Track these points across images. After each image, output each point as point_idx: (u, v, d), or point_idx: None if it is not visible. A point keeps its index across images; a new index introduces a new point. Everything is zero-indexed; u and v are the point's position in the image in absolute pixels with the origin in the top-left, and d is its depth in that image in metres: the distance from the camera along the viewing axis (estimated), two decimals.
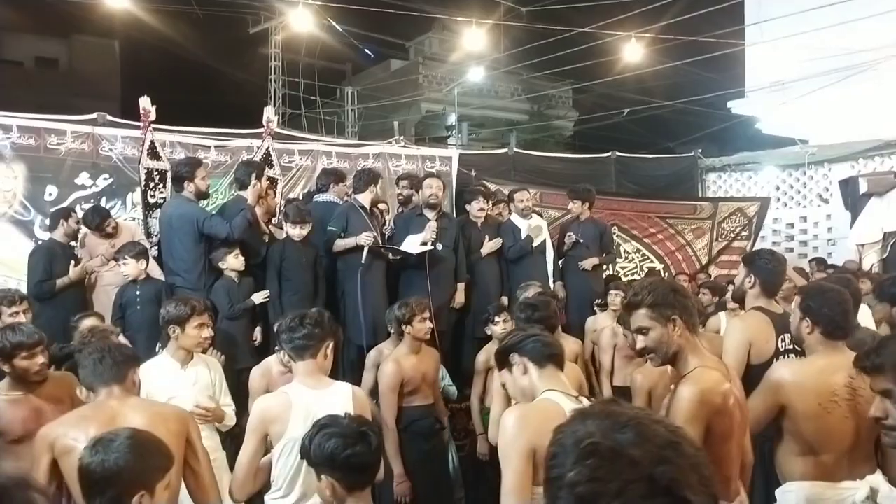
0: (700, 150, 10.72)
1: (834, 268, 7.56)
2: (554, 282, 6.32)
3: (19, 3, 17.44)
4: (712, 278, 7.70)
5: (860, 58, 9.48)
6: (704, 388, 2.30)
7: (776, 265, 3.49)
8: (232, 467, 3.05)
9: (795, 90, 10.39)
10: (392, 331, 4.54)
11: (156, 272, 5.15)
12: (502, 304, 5.14)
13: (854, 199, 8.90)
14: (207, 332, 3.73)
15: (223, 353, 4.38)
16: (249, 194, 5.20)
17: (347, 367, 5.10)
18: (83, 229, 5.58)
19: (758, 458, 2.73)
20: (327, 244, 5.43)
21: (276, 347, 3.74)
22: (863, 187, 8.79)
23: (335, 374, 3.24)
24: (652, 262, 8.67)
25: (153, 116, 5.93)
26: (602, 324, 5.48)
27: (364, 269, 5.30)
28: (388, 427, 4.04)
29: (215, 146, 6.69)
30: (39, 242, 5.67)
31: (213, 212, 5.43)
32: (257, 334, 5.10)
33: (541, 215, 6.87)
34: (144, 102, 5.91)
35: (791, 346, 3.20)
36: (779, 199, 10.09)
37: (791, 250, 9.77)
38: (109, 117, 6.43)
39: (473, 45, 11.17)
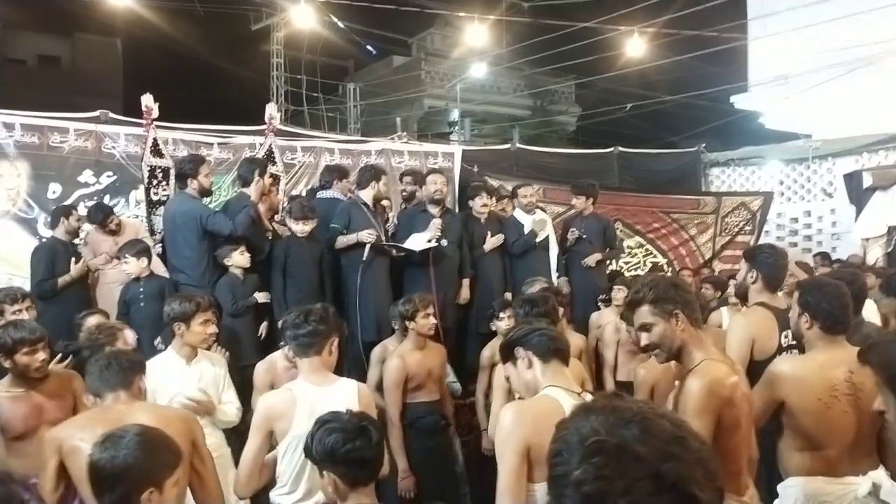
0: (703, 145, 10.69)
1: (839, 262, 7.55)
2: (558, 277, 6.31)
3: (22, 2, 17.46)
4: (716, 273, 7.68)
5: (864, 51, 9.44)
6: (713, 379, 2.31)
7: (777, 259, 3.49)
8: (236, 464, 3.06)
9: (799, 84, 10.36)
10: (396, 327, 4.54)
11: (160, 269, 5.17)
12: (507, 300, 5.14)
13: (858, 193, 8.89)
14: (212, 329, 3.75)
15: (228, 350, 4.39)
16: (252, 191, 5.20)
17: (351, 363, 5.11)
18: (86, 226, 5.59)
19: (760, 453, 2.73)
20: (329, 241, 5.43)
21: (282, 343, 3.74)
22: (867, 181, 8.77)
23: (339, 369, 3.24)
24: (655, 257, 8.66)
25: (156, 114, 5.94)
26: (606, 319, 5.48)
27: (365, 265, 5.30)
28: (392, 423, 4.05)
29: (218, 143, 6.69)
30: (43, 240, 5.68)
31: (217, 209, 5.43)
32: (262, 329, 5.10)
33: (544, 210, 6.85)
34: (147, 100, 5.92)
35: (794, 342, 3.19)
36: (783, 194, 10.07)
37: (795, 245, 9.76)
38: (112, 115, 6.43)
39: (476, 40, 11.17)
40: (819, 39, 9.49)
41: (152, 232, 5.74)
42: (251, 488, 2.84)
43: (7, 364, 3.15)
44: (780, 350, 3.22)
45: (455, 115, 19.20)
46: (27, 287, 4.93)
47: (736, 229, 8.96)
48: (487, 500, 2.37)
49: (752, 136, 12.70)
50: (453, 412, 4.73)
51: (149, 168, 5.84)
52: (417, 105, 21.19)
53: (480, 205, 6.14)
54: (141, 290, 4.84)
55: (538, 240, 6.19)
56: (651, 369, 3.89)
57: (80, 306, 4.94)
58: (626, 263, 8.34)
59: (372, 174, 5.68)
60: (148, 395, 2.95)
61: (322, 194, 5.94)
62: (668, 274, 8.11)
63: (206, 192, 5.31)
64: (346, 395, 2.86)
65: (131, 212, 6.20)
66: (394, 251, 5.58)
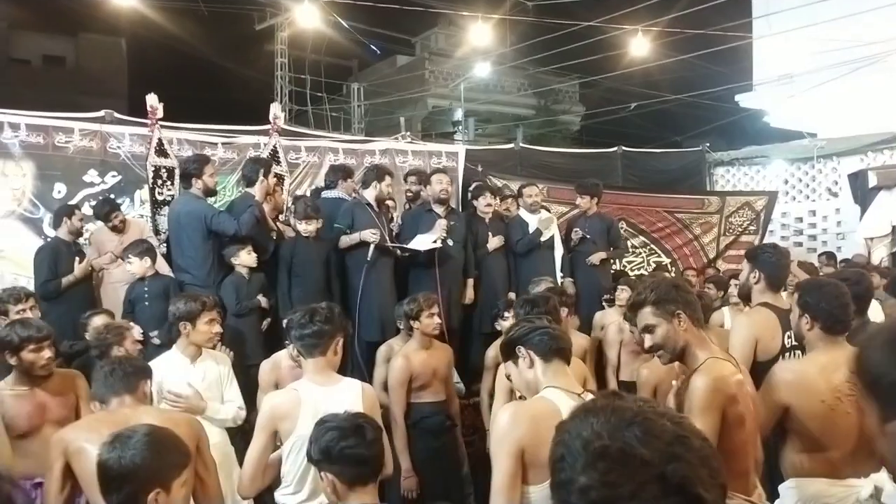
0: (708, 144, 10.68)
1: (845, 262, 7.53)
2: (563, 277, 6.29)
3: (26, 2, 17.51)
4: (721, 272, 7.67)
5: (869, 50, 9.42)
6: (717, 376, 2.32)
7: (780, 259, 3.48)
8: (241, 463, 3.07)
9: (804, 83, 10.34)
10: (401, 326, 4.55)
11: (164, 269, 5.18)
12: (512, 300, 5.14)
13: (863, 192, 8.85)
14: (217, 328, 3.77)
15: (233, 349, 4.40)
16: (257, 191, 5.21)
17: (355, 363, 5.12)
18: (89, 226, 5.61)
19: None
20: (333, 241, 5.44)
21: (287, 342, 3.75)
22: (872, 181, 8.74)
23: (343, 369, 3.24)
24: (659, 256, 8.64)
25: (160, 114, 5.96)
26: (609, 319, 5.48)
27: (369, 265, 5.30)
28: (396, 422, 4.06)
29: (222, 143, 6.70)
30: (48, 240, 5.70)
31: (221, 209, 5.44)
32: (265, 324, 5.11)
33: (548, 210, 6.85)
34: (151, 100, 5.94)
35: (797, 343, 3.18)
36: (787, 193, 10.05)
37: (800, 244, 9.74)
38: (117, 115, 6.45)
39: (480, 40, 11.15)
40: (824, 38, 9.46)
41: (157, 232, 5.75)
42: (255, 488, 2.84)
43: (13, 361, 3.17)
44: (784, 350, 3.20)
45: (459, 114, 19.19)
46: (32, 287, 4.95)
47: (740, 229, 8.94)
48: None
49: (756, 135, 12.69)
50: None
51: (153, 168, 5.86)
52: (421, 105, 21.17)
53: (484, 204, 6.13)
54: (146, 289, 4.85)
55: (543, 239, 6.19)
56: (654, 369, 3.88)
57: (84, 306, 4.96)
58: (630, 263, 8.33)
59: (374, 174, 5.69)
60: (154, 396, 2.96)
61: (327, 194, 5.95)
62: (672, 273, 8.11)
63: (210, 191, 5.32)
64: (350, 395, 2.86)
65: (136, 212, 6.22)
66: (398, 252, 5.59)
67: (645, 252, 8.60)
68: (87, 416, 2.87)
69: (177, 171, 5.79)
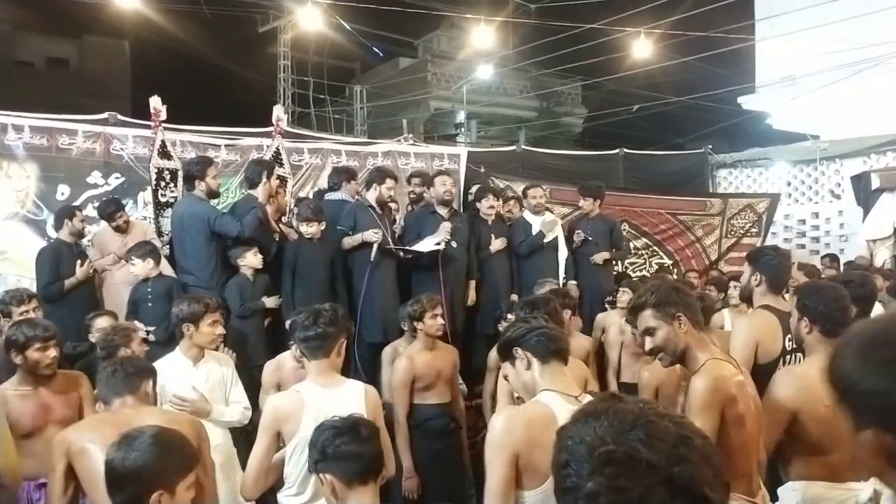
0: (710, 147, 10.66)
1: (848, 264, 7.52)
2: (566, 280, 6.28)
3: (30, 4, 17.55)
4: (724, 274, 7.66)
5: (871, 52, 9.41)
6: (716, 376, 2.34)
7: (781, 261, 3.47)
8: (243, 464, 3.08)
9: (806, 85, 10.33)
10: (405, 328, 4.56)
11: (168, 271, 5.19)
12: (515, 302, 5.15)
13: (866, 194, 8.85)
14: (221, 329, 3.78)
15: (236, 350, 4.42)
16: (260, 193, 5.22)
17: (357, 364, 5.13)
18: (91, 227, 5.62)
19: None
20: (336, 243, 5.45)
21: (291, 343, 3.76)
22: (875, 183, 8.74)
23: (345, 370, 3.25)
24: (661, 258, 8.64)
25: (164, 116, 5.97)
26: (611, 321, 5.48)
27: (372, 265, 5.31)
28: (398, 422, 4.07)
29: (225, 145, 6.71)
30: (50, 242, 5.71)
31: (224, 211, 5.46)
32: (266, 323, 5.12)
33: (551, 212, 6.86)
34: (155, 102, 5.95)
35: (797, 346, 3.17)
36: (790, 195, 10.03)
37: (803, 247, 9.73)
38: (120, 117, 6.46)
39: (482, 42, 11.18)
40: (826, 40, 9.46)
41: (160, 234, 5.76)
42: (258, 490, 2.85)
43: (18, 360, 3.20)
44: (784, 354, 3.19)
45: (461, 116, 19.19)
46: (35, 289, 4.96)
47: (742, 231, 8.94)
48: None
49: (759, 137, 12.68)
50: None
51: (156, 170, 5.87)
52: (424, 107, 21.19)
53: (487, 206, 6.15)
54: (149, 290, 4.87)
55: (546, 241, 6.19)
56: (655, 372, 3.88)
57: (87, 307, 4.97)
58: (632, 265, 8.33)
59: (374, 176, 5.70)
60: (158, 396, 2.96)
61: (330, 196, 5.96)
62: (675, 275, 8.11)
63: (213, 193, 5.34)
64: (353, 397, 2.86)
65: (139, 213, 6.23)
66: (401, 253, 5.59)
67: (647, 254, 8.59)
68: (90, 416, 2.88)
69: (180, 173, 5.80)
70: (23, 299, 4.34)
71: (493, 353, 4.56)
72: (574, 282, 6.34)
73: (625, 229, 7.84)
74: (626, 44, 11.15)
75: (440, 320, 4.21)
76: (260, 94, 16.44)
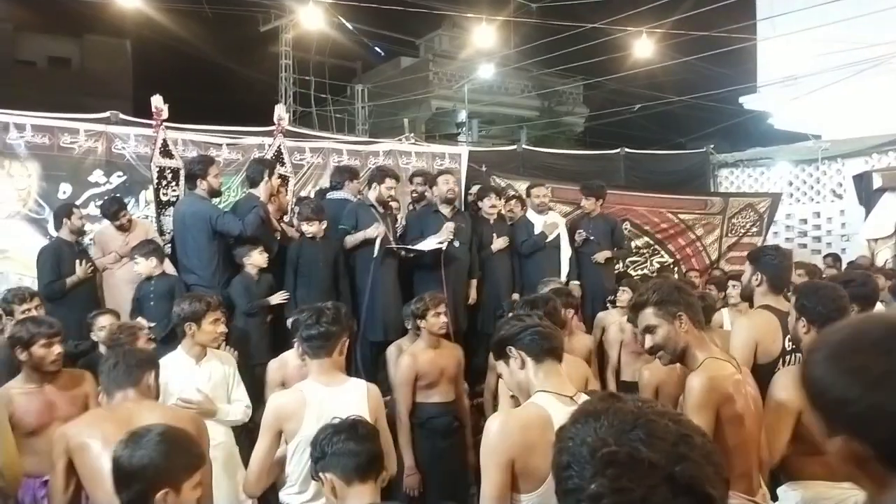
0: (712, 146, 10.65)
1: (850, 264, 7.52)
2: (569, 280, 6.27)
3: (32, 4, 17.57)
4: (726, 273, 7.66)
5: (873, 52, 9.41)
6: (713, 375, 2.35)
7: (782, 261, 3.46)
8: (246, 462, 3.08)
9: (808, 85, 10.32)
10: (409, 326, 4.57)
11: (170, 270, 5.19)
12: (516, 301, 5.15)
13: (868, 194, 8.85)
14: (222, 328, 3.79)
15: (239, 349, 4.42)
16: (261, 191, 5.23)
17: (358, 363, 5.13)
18: (92, 226, 5.62)
19: None
20: (339, 242, 5.45)
21: (294, 341, 3.77)
22: (877, 182, 8.74)
23: (347, 369, 3.25)
24: (662, 257, 8.63)
25: (165, 115, 5.97)
26: (611, 319, 5.48)
27: (376, 263, 5.31)
28: (401, 420, 4.07)
29: (227, 144, 6.71)
30: (51, 240, 5.71)
31: (226, 210, 5.46)
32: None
33: (554, 211, 6.86)
34: (156, 101, 5.95)
35: (796, 345, 3.16)
36: (792, 195, 10.03)
37: (804, 246, 9.73)
38: (122, 116, 6.47)
39: (484, 41, 11.18)
40: (828, 40, 9.45)
41: (161, 232, 5.77)
42: (260, 487, 2.86)
43: (23, 357, 3.21)
44: (784, 353, 3.19)
45: (463, 116, 19.21)
46: (36, 287, 4.97)
47: (742, 230, 8.93)
48: None
49: (760, 137, 12.68)
50: None
51: (158, 169, 5.88)
52: (425, 106, 21.20)
53: (489, 206, 6.15)
54: (152, 288, 4.88)
55: (548, 240, 6.20)
56: (655, 371, 3.88)
57: (88, 306, 4.97)
58: (633, 263, 8.33)
59: (374, 175, 5.71)
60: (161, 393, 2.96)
61: (332, 195, 5.96)
62: (675, 274, 8.11)
63: (215, 192, 5.35)
64: (355, 395, 2.87)
65: (141, 212, 6.23)
66: (402, 252, 5.60)
67: (648, 253, 8.59)
68: (89, 411, 2.88)
69: (181, 172, 5.81)
70: (24, 298, 4.35)
71: None
72: (577, 281, 6.35)
73: (626, 228, 7.84)
74: (628, 43, 11.14)
75: (443, 318, 4.20)
76: (261, 93, 16.47)
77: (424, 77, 21.17)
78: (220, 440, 3.50)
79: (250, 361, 4.58)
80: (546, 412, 2.12)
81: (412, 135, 8.75)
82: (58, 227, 5.41)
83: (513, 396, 2.51)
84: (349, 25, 13.71)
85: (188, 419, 2.71)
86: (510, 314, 4.44)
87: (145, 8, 10.66)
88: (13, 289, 4.66)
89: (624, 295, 5.34)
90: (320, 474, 2.20)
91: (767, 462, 2.61)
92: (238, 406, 3.78)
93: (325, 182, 6.79)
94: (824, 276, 5.94)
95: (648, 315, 2.47)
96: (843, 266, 7.57)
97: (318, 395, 2.79)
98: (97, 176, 6.14)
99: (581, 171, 8.91)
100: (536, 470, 2.02)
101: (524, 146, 10.06)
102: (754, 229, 8.95)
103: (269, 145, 6.62)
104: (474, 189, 6.94)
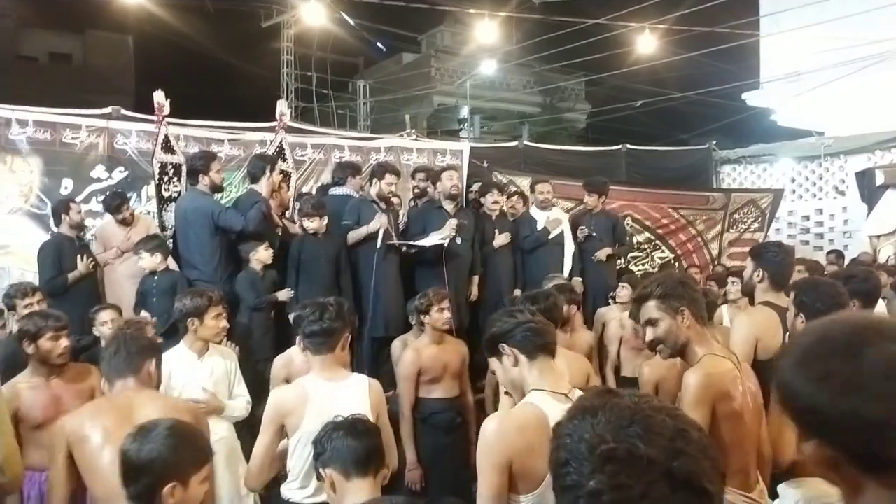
0: (715, 142, 10.63)
1: (853, 261, 7.51)
2: (571, 276, 6.25)
3: (34, 0, 17.59)
4: (728, 269, 7.66)
5: (877, 48, 9.36)
6: (710, 372, 2.35)
7: (784, 257, 3.46)
8: (247, 457, 3.09)
9: (811, 81, 10.28)
10: (413, 322, 4.57)
11: (172, 265, 5.19)
12: (518, 297, 5.15)
13: (871, 191, 8.83)
14: (224, 323, 3.80)
15: (241, 344, 4.43)
16: (263, 187, 5.23)
17: (360, 358, 5.13)
18: (93, 221, 5.62)
19: None
20: (342, 238, 5.46)
21: (298, 337, 3.78)
22: (879, 179, 8.72)
23: (351, 364, 3.25)
24: (664, 252, 8.63)
25: (167, 110, 5.97)
26: (611, 315, 5.49)
27: (379, 257, 5.31)
28: (403, 415, 4.09)
29: (229, 140, 6.72)
30: (52, 235, 5.72)
31: (228, 205, 5.47)
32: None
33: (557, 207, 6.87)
34: (158, 97, 5.95)
35: None
36: (794, 192, 10.01)
37: (807, 243, 9.71)
38: (124, 111, 6.47)
39: (486, 37, 11.14)
40: (831, 36, 9.42)
41: (163, 228, 5.77)
42: (261, 481, 2.87)
43: (30, 350, 3.23)
44: None
45: (465, 112, 19.22)
46: (38, 283, 4.97)
47: (744, 226, 8.92)
48: None
49: (763, 133, 12.63)
50: None
51: (159, 164, 5.88)
52: (427, 102, 21.21)
53: (492, 202, 6.16)
54: (155, 284, 4.89)
55: (551, 236, 6.20)
56: (655, 367, 3.89)
57: (90, 301, 4.98)
58: (634, 258, 8.33)
59: (375, 171, 5.71)
60: (162, 386, 2.96)
61: (335, 191, 5.97)
62: (677, 270, 8.11)
63: (217, 188, 5.35)
64: (357, 391, 2.87)
65: (143, 207, 6.24)
66: (404, 248, 5.60)
67: (649, 248, 8.58)
68: (89, 402, 2.87)
69: (183, 168, 5.81)
70: (27, 293, 4.36)
71: None
72: (579, 278, 6.35)
73: (627, 223, 7.84)
74: (630, 39, 11.11)
75: (447, 314, 4.21)
76: (263, 88, 16.49)
77: (426, 73, 21.18)
78: (221, 435, 3.51)
79: (253, 357, 4.59)
80: (542, 412, 2.10)
81: (414, 130, 8.75)
82: (57, 223, 5.42)
83: (507, 393, 2.48)
84: (351, 21, 13.72)
85: (188, 410, 2.71)
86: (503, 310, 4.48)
87: (147, 4, 10.66)
88: (15, 284, 4.67)
89: (624, 291, 5.35)
90: (321, 471, 2.21)
91: (769, 458, 2.61)
92: (239, 401, 3.80)
93: (326, 178, 6.79)
94: (826, 272, 5.94)
95: (651, 308, 2.47)
96: (845, 262, 7.56)
97: (319, 390, 2.80)
98: (99, 171, 6.14)
99: (583, 167, 8.91)
100: (534, 471, 2.02)
101: (526, 142, 10.06)
102: (756, 225, 8.94)
103: (271, 141, 6.61)
104: (476, 185, 6.94)
